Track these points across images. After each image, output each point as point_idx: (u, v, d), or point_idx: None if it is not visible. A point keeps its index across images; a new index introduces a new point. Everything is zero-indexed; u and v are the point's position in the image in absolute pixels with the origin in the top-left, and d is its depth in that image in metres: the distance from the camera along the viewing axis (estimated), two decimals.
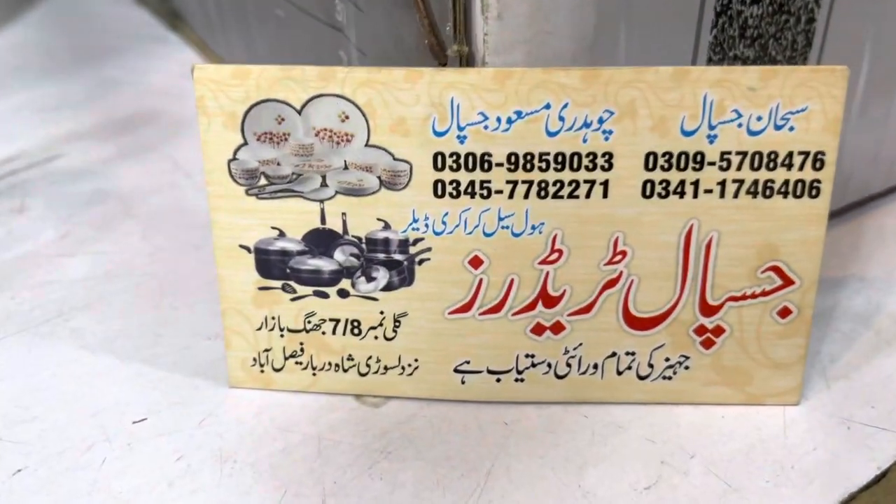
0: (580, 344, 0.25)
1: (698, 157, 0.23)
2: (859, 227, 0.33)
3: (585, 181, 0.23)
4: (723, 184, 0.23)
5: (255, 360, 0.26)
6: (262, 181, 0.24)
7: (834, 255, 0.32)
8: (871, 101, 0.31)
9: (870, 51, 0.29)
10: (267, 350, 0.26)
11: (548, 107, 0.22)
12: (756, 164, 0.23)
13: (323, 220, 0.24)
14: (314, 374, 0.26)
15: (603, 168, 0.23)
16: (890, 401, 0.26)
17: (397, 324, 0.25)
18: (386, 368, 0.26)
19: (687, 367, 0.25)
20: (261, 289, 0.25)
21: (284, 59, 0.36)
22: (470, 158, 0.23)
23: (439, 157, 0.23)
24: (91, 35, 0.57)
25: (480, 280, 0.24)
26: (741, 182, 0.23)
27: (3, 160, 0.41)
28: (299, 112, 0.23)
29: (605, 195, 0.23)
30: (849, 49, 0.29)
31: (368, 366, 0.26)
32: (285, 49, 0.36)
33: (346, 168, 0.23)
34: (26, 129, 0.44)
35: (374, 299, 0.25)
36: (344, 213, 0.24)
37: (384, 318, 0.25)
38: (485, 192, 0.23)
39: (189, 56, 0.52)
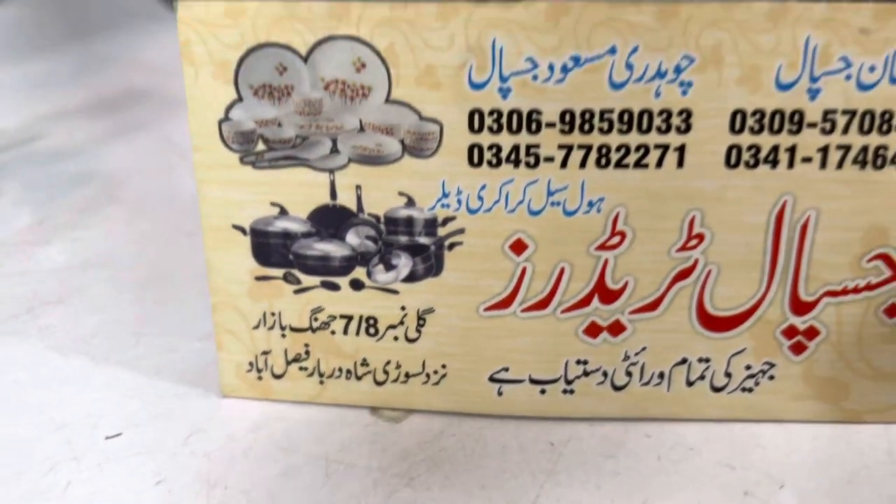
0: (643, 348, 0.21)
1: (796, 117, 0.19)
2: None
3: (657, 146, 0.19)
4: (825, 150, 0.19)
5: (251, 364, 0.22)
6: (260, 146, 0.20)
7: None
8: None
9: None
10: (266, 353, 0.22)
11: (613, 51, 0.18)
12: (866, 127, 0.19)
13: (333, 195, 0.20)
14: (321, 383, 0.22)
15: (679, 130, 0.19)
16: None
17: (422, 322, 0.21)
18: (407, 376, 0.22)
19: (772, 377, 0.21)
20: (258, 279, 0.21)
21: None
22: (514, 117, 0.19)
23: (476, 116, 0.19)
24: (83, 10, 0.55)
25: (524, 269, 0.20)
26: (847, 148, 0.19)
27: None
28: (305, 59, 0.19)
29: (679, 164, 0.19)
30: None
31: (386, 373, 0.22)
32: None
33: (361, 130, 0.19)
34: (8, 108, 0.41)
35: (395, 292, 0.21)
36: (358, 187, 0.20)
37: (406, 316, 0.21)
38: (531, 160, 0.19)
39: None
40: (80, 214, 0.31)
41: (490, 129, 0.19)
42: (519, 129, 0.19)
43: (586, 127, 0.19)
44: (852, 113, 0.19)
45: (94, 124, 0.38)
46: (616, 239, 0.20)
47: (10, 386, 0.23)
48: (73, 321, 0.26)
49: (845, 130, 0.19)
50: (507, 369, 0.21)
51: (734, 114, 0.19)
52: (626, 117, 0.19)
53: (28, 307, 0.27)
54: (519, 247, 0.20)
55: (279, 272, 0.21)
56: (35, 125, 0.39)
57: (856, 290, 0.20)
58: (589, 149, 0.19)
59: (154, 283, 0.27)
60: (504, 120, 0.19)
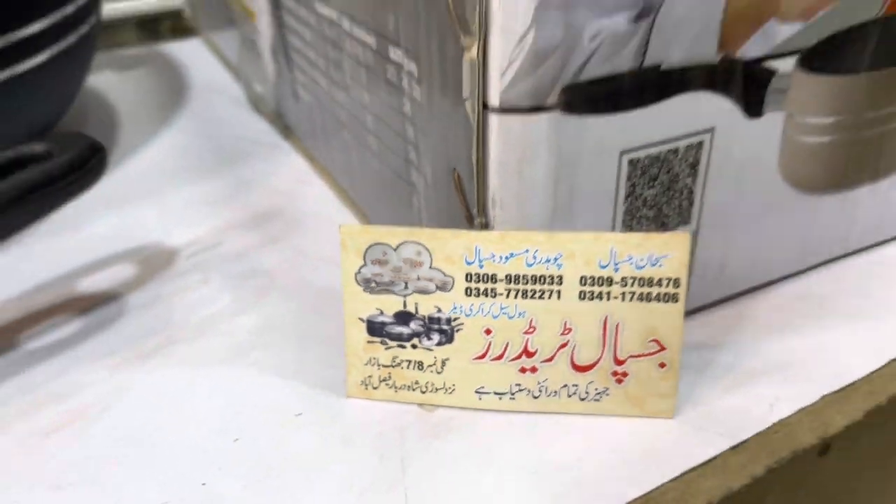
0: (546, 378, 0.43)
1: (609, 280, 0.41)
2: (735, 312, 0.52)
3: (548, 290, 0.42)
4: (623, 294, 0.41)
5: (363, 381, 0.44)
6: (373, 284, 0.43)
7: (716, 329, 0.50)
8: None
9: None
10: (370, 376, 0.44)
11: (527, 251, 0.41)
12: (641, 284, 0.41)
13: (405, 306, 0.44)
14: (396, 392, 0.44)
15: (557, 283, 0.42)
16: (730, 419, 0.41)
17: (444, 364, 0.44)
18: (436, 389, 0.44)
19: (608, 394, 0.43)
20: (368, 342, 0.44)
21: (374, 191, 0.56)
22: (485, 276, 0.42)
23: (469, 275, 0.42)
24: (224, 140, 0.76)
25: (490, 342, 0.43)
26: (634, 293, 0.41)
27: (187, 243, 0.61)
28: (395, 249, 0.42)
29: (559, 298, 0.42)
30: (720, 206, 0.47)
31: (427, 387, 0.44)
32: (376, 183, 0.56)
33: (419, 279, 0.43)
34: (194, 222, 0.63)
35: (431, 350, 0.44)
36: (416, 303, 0.43)
37: (436, 361, 0.43)
38: (493, 295, 0.42)
39: (299, 162, 0.72)
40: (256, 296, 0.55)
41: (475, 280, 0.42)
42: (488, 282, 0.42)
43: (517, 282, 0.42)
44: (635, 278, 0.42)
45: (250, 235, 0.59)
46: (532, 329, 0.43)
47: (245, 392, 0.44)
48: (266, 359, 0.47)
49: (632, 285, 0.42)
50: (483, 387, 0.44)
51: (581, 277, 0.42)
52: (534, 278, 0.42)
53: (239, 352, 0.47)
54: (488, 332, 0.43)
55: (378, 339, 0.44)
56: (215, 235, 0.61)
57: (644, 355, 0.43)
58: (519, 290, 0.42)
59: (306, 339, 0.50)
60: (481, 277, 0.42)
